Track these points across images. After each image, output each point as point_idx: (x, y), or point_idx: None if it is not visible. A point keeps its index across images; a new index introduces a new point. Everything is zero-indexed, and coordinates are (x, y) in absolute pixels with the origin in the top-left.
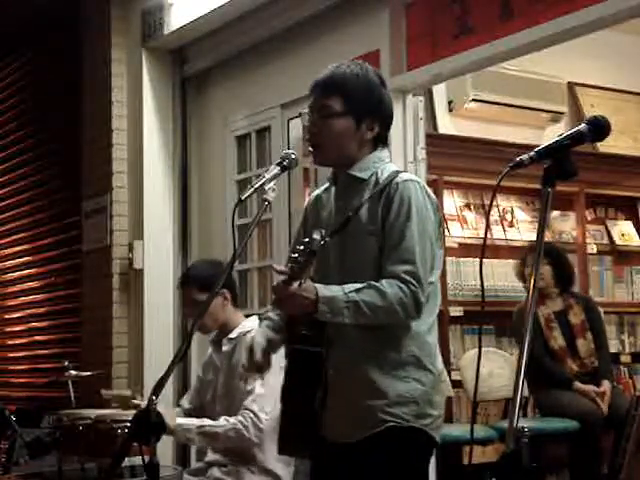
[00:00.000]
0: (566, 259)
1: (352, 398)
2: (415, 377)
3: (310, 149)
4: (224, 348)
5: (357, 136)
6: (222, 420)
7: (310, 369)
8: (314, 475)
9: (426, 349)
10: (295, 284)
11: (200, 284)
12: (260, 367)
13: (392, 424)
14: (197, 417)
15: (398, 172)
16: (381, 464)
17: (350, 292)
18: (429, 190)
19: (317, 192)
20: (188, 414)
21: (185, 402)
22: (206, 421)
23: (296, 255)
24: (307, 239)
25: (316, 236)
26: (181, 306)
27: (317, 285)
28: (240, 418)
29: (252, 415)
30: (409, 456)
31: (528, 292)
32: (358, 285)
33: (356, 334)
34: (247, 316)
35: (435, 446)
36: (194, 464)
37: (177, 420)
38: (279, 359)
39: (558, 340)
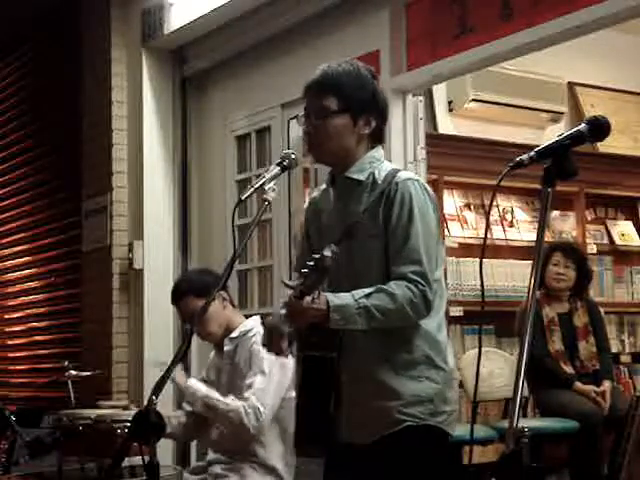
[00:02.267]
0: (589, 269)
1: (366, 400)
2: (428, 376)
3: (308, 147)
4: (226, 348)
5: (355, 132)
6: (229, 398)
7: (323, 374)
8: (327, 477)
9: (436, 347)
10: (308, 299)
11: (196, 291)
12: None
13: (409, 423)
14: (200, 420)
15: (396, 171)
16: (398, 462)
17: (360, 298)
18: (428, 187)
19: (314, 195)
20: (191, 416)
21: (187, 404)
22: (214, 394)
23: (307, 270)
24: (318, 255)
25: (327, 253)
26: (181, 321)
27: (328, 294)
28: (243, 404)
29: (253, 405)
30: (426, 453)
31: (528, 293)
32: (367, 290)
33: (366, 338)
34: (247, 316)
35: (449, 440)
36: (194, 463)
37: (189, 381)
38: (279, 359)
39: (556, 344)
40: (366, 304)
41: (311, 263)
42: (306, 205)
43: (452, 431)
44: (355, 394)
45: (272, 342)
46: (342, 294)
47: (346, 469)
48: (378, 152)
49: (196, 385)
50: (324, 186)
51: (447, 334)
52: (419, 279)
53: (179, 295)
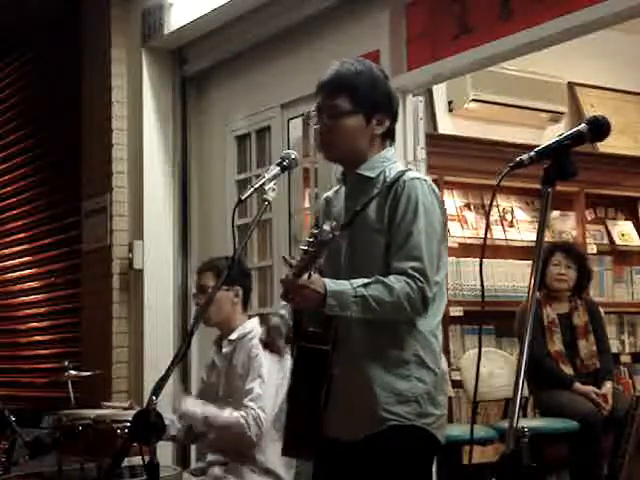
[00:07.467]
0: (589, 270)
1: (355, 397)
2: (417, 376)
3: (319, 146)
4: (224, 350)
5: (367, 132)
6: (227, 411)
7: (316, 368)
8: (316, 474)
9: (429, 349)
10: (304, 276)
11: (218, 271)
12: (277, 348)
13: (394, 422)
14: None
15: (405, 170)
16: (383, 462)
17: (358, 287)
18: (436, 188)
19: (327, 194)
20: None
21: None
22: (211, 410)
23: (306, 247)
24: (316, 230)
25: (326, 227)
26: (195, 292)
27: (325, 280)
28: (243, 414)
29: (254, 413)
30: (411, 455)
31: (528, 293)
32: (366, 280)
33: (361, 333)
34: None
35: (438, 445)
36: (194, 464)
37: (183, 409)
38: (279, 361)
39: (556, 345)
40: (363, 293)
41: (310, 239)
42: (320, 202)
43: (442, 436)
44: (345, 389)
45: (270, 340)
46: (341, 281)
47: (335, 465)
48: (390, 152)
49: (191, 410)
50: (337, 186)
51: (447, 334)
52: (418, 275)
53: (205, 268)
